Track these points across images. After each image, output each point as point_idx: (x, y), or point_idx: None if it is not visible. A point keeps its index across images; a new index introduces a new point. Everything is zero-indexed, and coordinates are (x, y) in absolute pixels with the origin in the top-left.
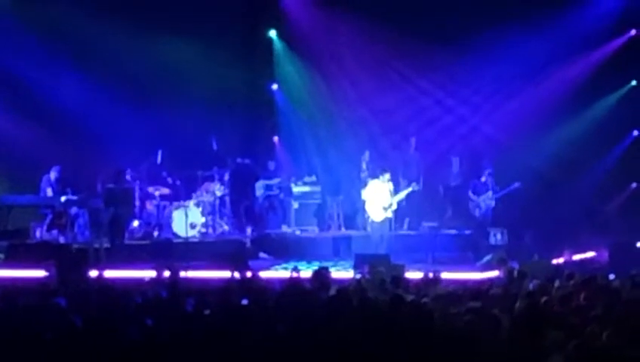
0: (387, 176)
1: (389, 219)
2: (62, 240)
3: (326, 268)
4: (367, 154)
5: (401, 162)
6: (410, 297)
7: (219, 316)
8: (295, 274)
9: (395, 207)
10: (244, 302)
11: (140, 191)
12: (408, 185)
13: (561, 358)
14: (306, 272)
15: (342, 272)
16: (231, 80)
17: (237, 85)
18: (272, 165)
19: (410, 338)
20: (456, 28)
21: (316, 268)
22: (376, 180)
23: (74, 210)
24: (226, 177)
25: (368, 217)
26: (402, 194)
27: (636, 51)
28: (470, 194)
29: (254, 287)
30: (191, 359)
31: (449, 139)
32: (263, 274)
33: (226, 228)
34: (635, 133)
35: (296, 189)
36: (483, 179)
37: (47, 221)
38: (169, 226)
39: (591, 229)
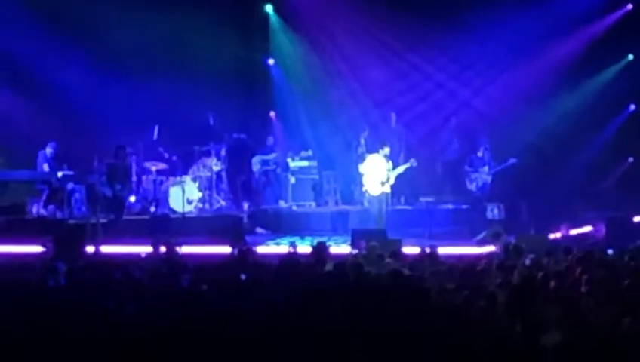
0: (387, 149)
1: (387, 194)
2: (58, 215)
3: (324, 244)
4: (367, 132)
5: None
6: (407, 272)
7: (216, 291)
8: (292, 249)
9: (392, 181)
10: (242, 277)
11: (137, 167)
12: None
13: (558, 333)
14: (303, 247)
15: (339, 247)
16: (227, 55)
17: (233, 60)
18: (269, 140)
19: (406, 313)
20: (448, 3)
21: (314, 243)
22: (375, 154)
23: (70, 185)
24: (223, 152)
25: (366, 191)
26: (400, 170)
27: (633, 25)
28: (467, 168)
29: (251, 262)
30: (188, 334)
31: (442, 114)
32: (260, 249)
33: (223, 203)
34: (632, 107)
35: (293, 164)
36: (479, 153)
37: (44, 197)
38: (166, 201)
39: (587, 204)
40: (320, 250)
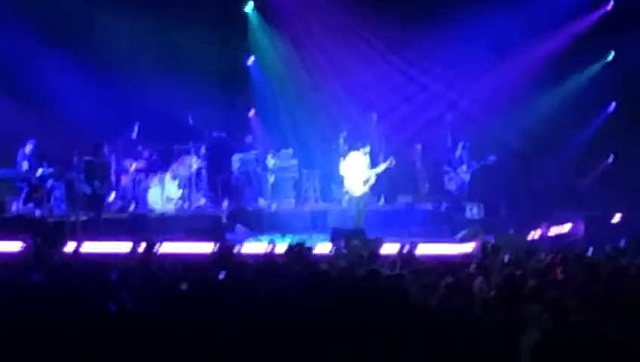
0: (367, 148)
1: (366, 194)
2: (38, 213)
3: (302, 245)
4: (345, 132)
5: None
6: (386, 272)
7: (195, 289)
8: (271, 248)
9: (373, 181)
10: (221, 275)
11: (116, 165)
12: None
13: (537, 332)
14: (282, 245)
15: (318, 246)
16: (207, 53)
17: (213, 58)
18: (249, 138)
19: (386, 312)
20: (430, 3)
21: (294, 244)
22: (355, 152)
23: (50, 183)
24: (202, 150)
25: (346, 191)
26: (380, 168)
27: (613, 24)
28: (445, 167)
29: (231, 261)
30: (167, 332)
31: (424, 114)
32: (239, 247)
33: (203, 201)
34: (613, 105)
35: (273, 163)
36: (458, 152)
37: (24, 194)
38: (145, 200)
39: (567, 203)
40: (300, 250)
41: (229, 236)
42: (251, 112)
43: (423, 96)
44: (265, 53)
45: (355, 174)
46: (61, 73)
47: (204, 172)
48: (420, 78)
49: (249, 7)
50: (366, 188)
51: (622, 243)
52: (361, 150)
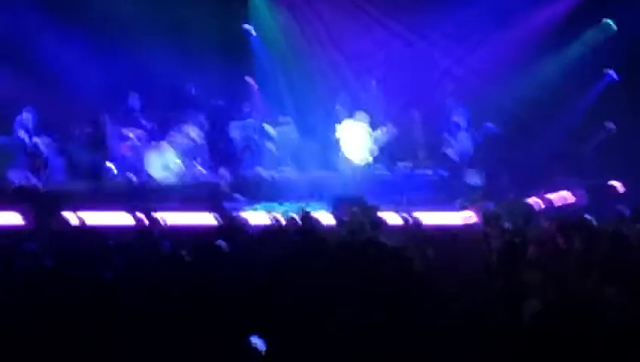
0: (363, 115)
1: (367, 161)
2: (35, 182)
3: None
4: (342, 97)
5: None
6: (389, 242)
7: (195, 258)
8: (272, 217)
9: (376, 152)
10: (221, 243)
11: (115, 134)
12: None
13: (537, 302)
14: (278, 213)
15: (318, 213)
16: (206, 22)
17: (212, 27)
18: (247, 106)
19: (388, 280)
20: None
21: (301, 211)
22: (350, 120)
23: (48, 152)
24: (201, 119)
25: (343, 157)
26: (377, 134)
27: None
28: (445, 135)
29: (231, 229)
30: (166, 301)
31: (422, 81)
32: (239, 216)
33: (202, 170)
34: (611, 73)
35: (271, 131)
36: (456, 119)
37: (21, 163)
38: (144, 169)
39: (568, 171)
40: (305, 219)
41: (227, 205)
42: (250, 80)
43: (421, 63)
44: (264, 21)
45: (351, 141)
46: (60, 42)
47: (202, 140)
48: (418, 44)
49: None
50: (365, 155)
51: (627, 212)
52: (356, 116)
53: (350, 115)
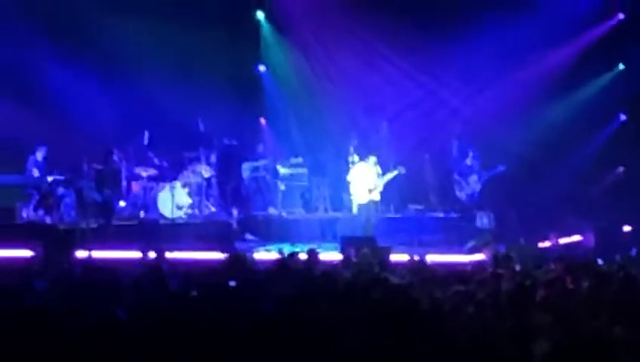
0: (374, 159)
1: (375, 202)
2: (48, 220)
3: (315, 251)
4: (356, 141)
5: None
6: (396, 280)
7: (205, 297)
8: (280, 257)
9: (381, 189)
10: (232, 283)
11: (127, 172)
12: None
13: (547, 343)
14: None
15: (328, 254)
16: (218, 61)
17: (224, 66)
18: (260, 147)
19: (395, 321)
20: (440, 10)
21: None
22: (362, 163)
23: (60, 190)
24: (213, 158)
25: (354, 199)
26: (389, 177)
27: (624, 35)
28: (456, 176)
29: (241, 269)
30: (177, 339)
31: (432, 122)
32: (249, 256)
33: (213, 209)
34: (622, 117)
35: (283, 171)
36: (468, 161)
37: (34, 201)
38: (155, 207)
39: (577, 213)
40: (311, 257)
41: (238, 245)
42: (262, 121)
43: (430, 103)
44: (276, 60)
45: (361, 182)
46: (73, 80)
47: (214, 180)
48: (428, 85)
49: (260, 15)
50: (374, 196)
51: (633, 252)
52: (370, 160)
53: (361, 159)
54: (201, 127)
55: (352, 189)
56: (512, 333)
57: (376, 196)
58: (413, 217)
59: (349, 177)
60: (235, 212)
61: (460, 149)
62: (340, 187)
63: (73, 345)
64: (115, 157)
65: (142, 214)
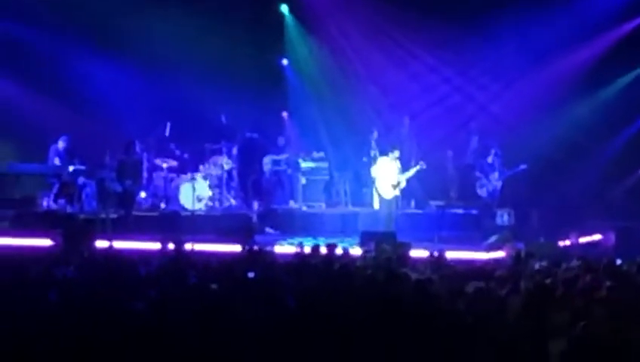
0: (396, 153)
1: (397, 197)
2: (69, 209)
3: (334, 245)
4: (375, 133)
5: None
6: (415, 276)
7: (224, 289)
8: (300, 250)
9: (403, 184)
10: (250, 275)
11: (148, 163)
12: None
13: (563, 342)
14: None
15: (348, 249)
16: (241, 54)
17: (247, 59)
18: (281, 140)
19: (413, 317)
20: (466, 6)
21: (324, 244)
22: (385, 157)
23: (81, 180)
24: (234, 151)
25: (377, 194)
26: (411, 172)
27: None
28: (477, 174)
29: (261, 261)
30: (195, 332)
31: (457, 118)
32: (269, 249)
33: (233, 202)
34: None
35: (304, 165)
36: (490, 159)
37: (55, 190)
38: (176, 199)
39: (598, 213)
40: (330, 251)
41: (258, 238)
42: (284, 114)
43: (454, 100)
44: (299, 54)
45: (385, 178)
46: (96, 70)
47: (235, 172)
48: (454, 80)
49: (284, 9)
50: (396, 192)
51: None
52: (391, 154)
53: (382, 153)
54: (224, 120)
55: (376, 184)
56: (530, 331)
57: (398, 192)
58: (434, 213)
59: (373, 172)
60: (255, 205)
61: (480, 146)
62: (361, 182)
63: (93, 334)
64: (137, 148)
65: (162, 205)
